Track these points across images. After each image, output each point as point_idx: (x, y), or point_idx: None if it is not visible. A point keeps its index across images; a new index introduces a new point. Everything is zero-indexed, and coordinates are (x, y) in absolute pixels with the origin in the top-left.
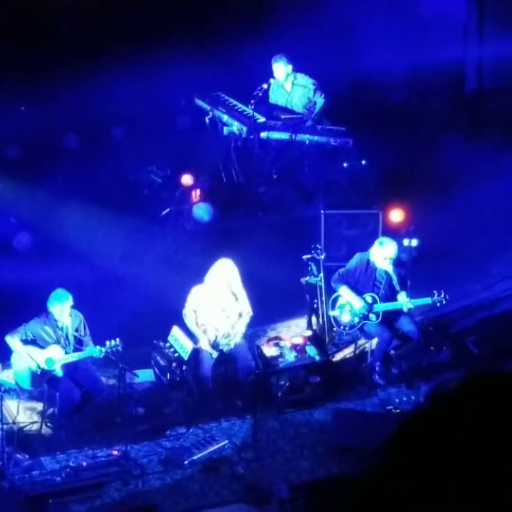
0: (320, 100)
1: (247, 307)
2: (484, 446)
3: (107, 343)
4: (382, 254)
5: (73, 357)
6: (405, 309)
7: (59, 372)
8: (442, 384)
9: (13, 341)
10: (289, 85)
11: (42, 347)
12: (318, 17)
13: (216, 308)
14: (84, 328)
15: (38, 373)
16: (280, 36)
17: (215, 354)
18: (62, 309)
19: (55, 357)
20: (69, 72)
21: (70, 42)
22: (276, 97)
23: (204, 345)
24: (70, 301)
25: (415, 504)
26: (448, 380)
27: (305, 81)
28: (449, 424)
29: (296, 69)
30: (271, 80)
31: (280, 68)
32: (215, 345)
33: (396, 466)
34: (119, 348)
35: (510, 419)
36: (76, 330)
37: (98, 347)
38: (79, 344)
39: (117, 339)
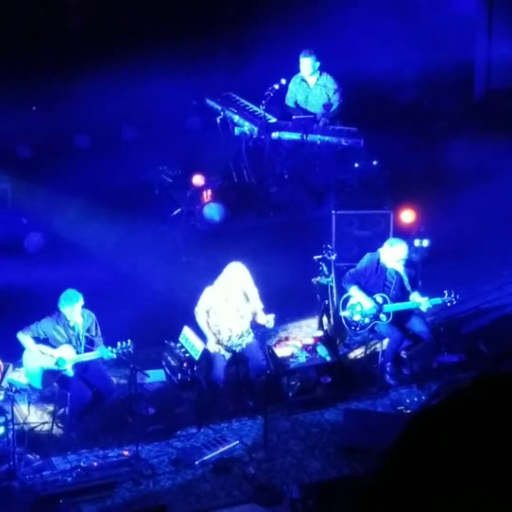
0: (336, 103)
1: (259, 304)
2: (492, 446)
3: (119, 344)
4: (393, 255)
5: (85, 357)
6: (423, 309)
7: (70, 372)
8: (450, 384)
9: (25, 338)
10: (313, 81)
11: (53, 347)
12: (329, 17)
13: (230, 309)
14: (96, 328)
15: (50, 372)
16: (292, 37)
17: (227, 355)
18: (73, 310)
19: (67, 357)
20: (80, 72)
21: (81, 42)
22: (296, 90)
23: (213, 345)
24: (80, 302)
25: (423, 503)
26: (456, 380)
27: (329, 82)
28: (457, 425)
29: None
30: (283, 80)
31: (308, 63)
32: (228, 346)
33: (404, 467)
34: (131, 349)
35: None
36: (88, 330)
37: (109, 348)
38: (90, 344)
39: (129, 341)
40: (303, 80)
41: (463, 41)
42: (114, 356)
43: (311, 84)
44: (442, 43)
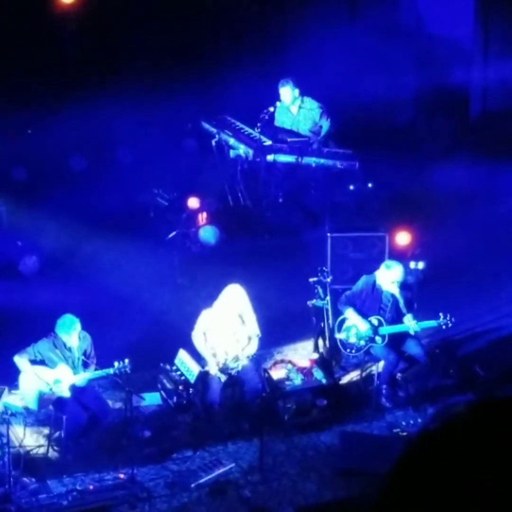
0: (326, 124)
1: (255, 329)
2: (491, 471)
3: (116, 363)
4: (389, 277)
5: (82, 377)
6: (411, 332)
7: (66, 393)
8: (448, 408)
9: (21, 361)
10: (296, 108)
11: (50, 368)
12: (324, 40)
13: (227, 332)
14: (91, 350)
15: (46, 394)
16: (287, 58)
17: (223, 377)
18: (70, 337)
19: (64, 378)
20: (75, 94)
21: (77, 65)
22: (282, 120)
23: (212, 368)
24: (78, 329)
25: None
26: (453, 404)
27: (311, 105)
28: (455, 450)
29: (303, 93)
30: (277, 103)
31: (287, 92)
32: (224, 369)
33: (403, 492)
34: (128, 369)
35: None
36: (84, 353)
37: (104, 369)
38: (86, 367)
39: (126, 360)
40: (286, 109)
41: (459, 63)
42: (112, 372)
43: (294, 112)
44: (437, 65)
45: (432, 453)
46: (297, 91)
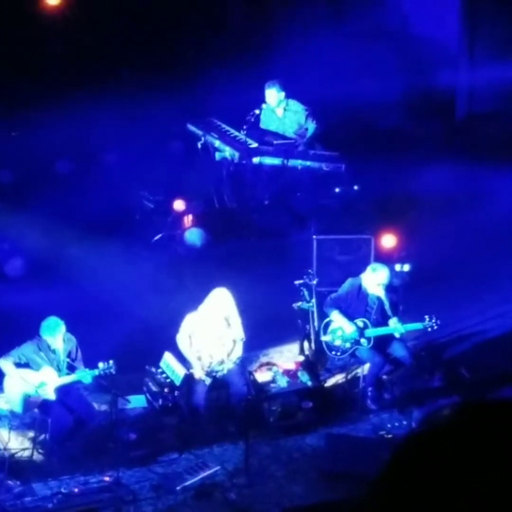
0: (311, 126)
1: (240, 332)
2: (477, 474)
3: (100, 365)
4: (375, 280)
5: (67, 379)
6: (396, 335)
7: (52, 395)
8: (435, 412)
9: (6, 364)
10: (281, 110)
11: (35, 370)
12: (310, 42)
13: (212, 335)
14: (77, 352)
15: (31, 397)
16: (273, 62)
17: (208, 380)
18: (55, 339)
19: (49, 380)
20: (61, 97)
21: (62, 67)
22: (267, 122)
23: (198, 371)
24: (62, 331)
25: None
26: (440, 408)
27: (297, 107)
28: (441, 453)
29: (289, 95)
30: (263, 105)
31: (273, 94)
32: (209, 372)
33: (390, 495)
34: (113, 370)
35: (502, 448)
36: (69, 354)
37: (89, 370)
38: (71, 369)
39: (110, 361)
40: (272, 111)
41: (444, 65)
42: (97, 373)
43: (280, 114)
44: (423, 67)
45: (419, 457)
46: (282, 94)
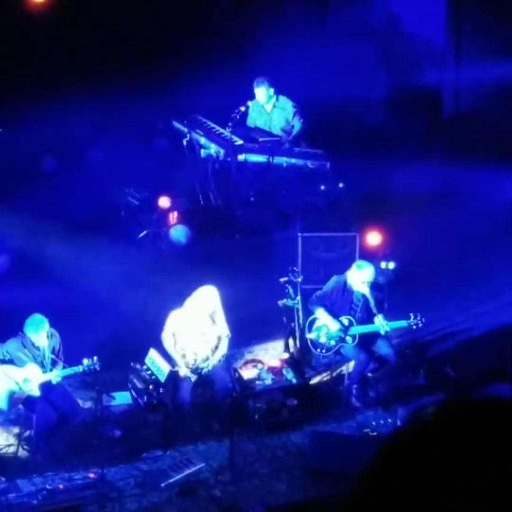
0: (297, 124)
1: (225, 329)
2: (462, 472)
3: (85, 361)
4: (360, 277)
5: (51, 375)
6: (382, 332)
7: (36, 392)
8: (419, 409)
9: None
10: (270, 106)
11: (19, 367)
12: (296, 40)
13: (195, 333)
14: (59, 348)
15: (15, 394)
16: (258, 58)
17: (193, 377)
18: (38, 336)
19: (33, 377)
20: (45, 94)
21: (47, 64)
22: (255, 117)
23: (182, 369)
24: (46, 328)
25: None
26: (425, 405)
27: (285, 104)
28: (426, 451)
29: (277, 92)
30: (249, 103)
31: (262, 92)
32: (194, 369)
33: (375, 493)
34: (97, 366)
35: (486, 445)
36: (53, 350)
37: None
38: (54, 365)
39: (95, 358)
40: (260, 106)
41: (431, 64)
42: (81, 369)
43: (268, 110)
44: (409, 65)
45: (403, 454)
46: (272, 90)
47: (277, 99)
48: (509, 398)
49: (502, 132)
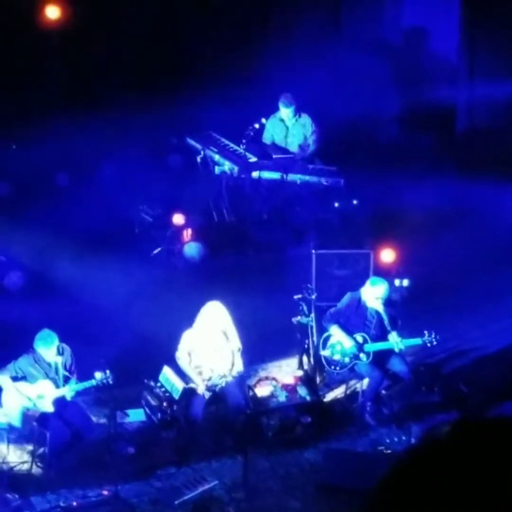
0: (312, 144)
1: (237, 343)
2: (476, 490)
3: (97, 375)
4: (374, 293)
5: (64, 390)
6: (396, 350)
7: (50, 408)
8: (434, 428)
9: (2, 378)
10: (292, 122)
11: (32, 383)
12: (309, 56)
13: (210, 350)
14: (72, 363)
15: (29, 410)
16: (271, 76)
17: (207, 394)
18: (48, 352)
19: (46, 393)
20: (60, 110)
21: (62, 80)
22: (273, 132)
23: (200, 387)
24: (55, 344)
25: None
26: (439, 424)
27: (307, 123)
28: (440, 470)
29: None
30: (263, 119)
31: (289, 112)
32: (209, 386)
33: (389, 510)
34: (110, 380)
35: (499, 466)
36: (65, 366)
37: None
38: (66, 381)
39: (107, 371)
40: (282, 120)
41: (444, 80)
42: (94, 383)
43: (289, 125)
44: (423, 81)
45: (418, 472)
46: (293, 108)
47: (299, 116)
48: None
49: None
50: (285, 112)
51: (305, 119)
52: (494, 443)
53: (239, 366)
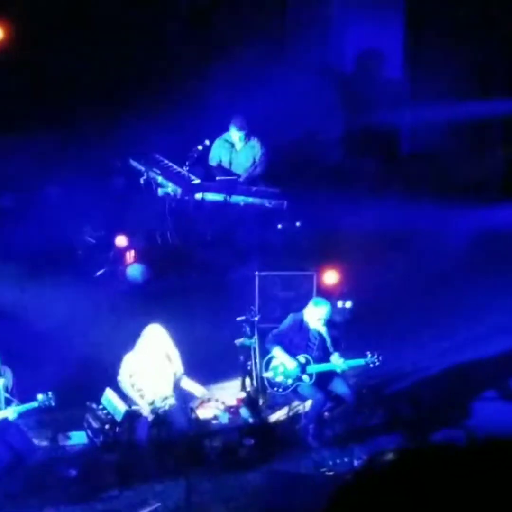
0: (259, 168)
1: (180, 366)
2: None
3: (39, 396)
4: (316, 314)
5: (6, 413)
6: (339, 371)
7: None
8: (377, 456)
9: None
10: (240, 145)
11: None
12: (254, 77)
13: (152, 372)
14: (13, 386)
15: None
16: (216, 98)
17: (150, 416)
18: None
19: None
20: (2, 130)
21: (5, 100)
22: (219, 151)
23: (144, 409)
24: None
25: None
26: (382, 453)
27: (257, 146)
28: (381, 497)
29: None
30: (207, 141)
31: (240, 134)
32: (152, 408)
33: None
34: (52, 402)
35: (440, 496)
36: (6, 389)
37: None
38: (8, 403)
39: (50, 393)
40: (228, 141)
41: (389, 103)
42: (36, 405)
43: (238, 148)
44: (368, 104)
45: (358, 499)
46: (245, 132)
47: (249, 139)
48: (462, 445)
49: (458, 171)
50: (235, 134)
51: (255, 142)
52: (433, 474)
53: (179, 388)
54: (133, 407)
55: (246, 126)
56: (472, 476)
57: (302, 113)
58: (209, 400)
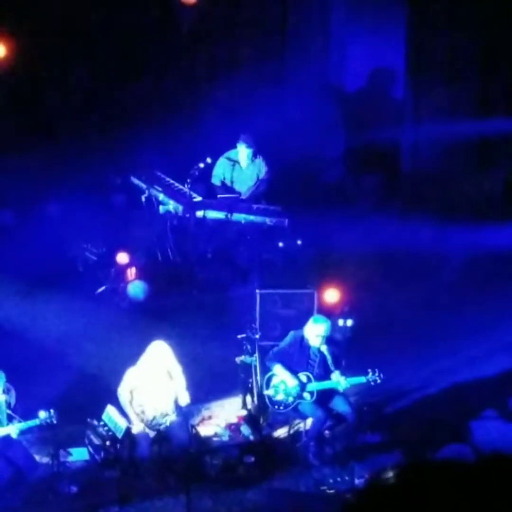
0: (262, 186)
1: (182, 380)
2: None
3: (41, 414)
4: (316, 331)
5: (8, 430)
6: (340, 389)
7: None
8: (379, 473)
9: None
10: (246, 164)
11: None
12: (255, 98)
13: (154, 389)
14: (15, 403)
15: None
16: (217, 116)
17: (151, 433)
18: None
19: None
20: (5, 148)
21: (3, 117)
22: (223, 169)
23: (137, 425)
24: (2, 383)
25: None
26: (384, 469)
27: (262, 166)
28: None
29: (233, 147)
30: (208, 159)
31: (247, 152)
32: (153, 425)
33: None
34: (54, 419)
35: (444, 509)
36: (9, 406)
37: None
38: (10, 420)
39: (51, 410)
40: (232, 159)
41: (389, 121)
42: (38, 422)
43: (243, 165)
44: (369, 122)
45: None
46: (253, 150)
47: (256, 157)
48: (467, 460)
49: (458, 190)
50: (244, 152)
51: (260, 162)
52: (438, 489)
53: (185, 399)
54: (131, 425)
55: (254, 145)
56: (477, 492)
57: (303, 130)
58: (210, 417)
